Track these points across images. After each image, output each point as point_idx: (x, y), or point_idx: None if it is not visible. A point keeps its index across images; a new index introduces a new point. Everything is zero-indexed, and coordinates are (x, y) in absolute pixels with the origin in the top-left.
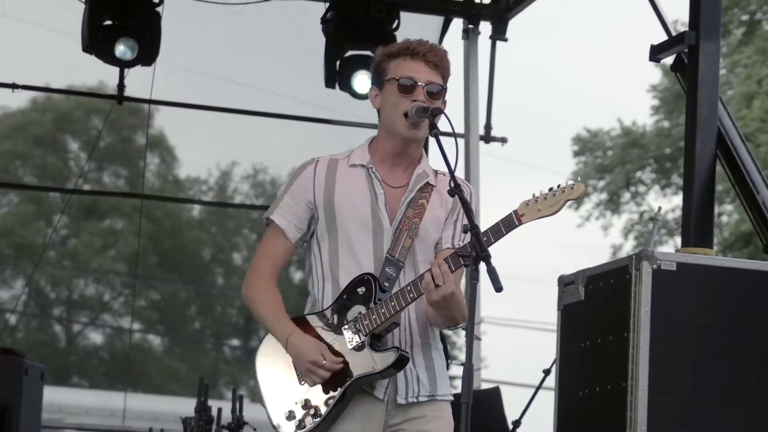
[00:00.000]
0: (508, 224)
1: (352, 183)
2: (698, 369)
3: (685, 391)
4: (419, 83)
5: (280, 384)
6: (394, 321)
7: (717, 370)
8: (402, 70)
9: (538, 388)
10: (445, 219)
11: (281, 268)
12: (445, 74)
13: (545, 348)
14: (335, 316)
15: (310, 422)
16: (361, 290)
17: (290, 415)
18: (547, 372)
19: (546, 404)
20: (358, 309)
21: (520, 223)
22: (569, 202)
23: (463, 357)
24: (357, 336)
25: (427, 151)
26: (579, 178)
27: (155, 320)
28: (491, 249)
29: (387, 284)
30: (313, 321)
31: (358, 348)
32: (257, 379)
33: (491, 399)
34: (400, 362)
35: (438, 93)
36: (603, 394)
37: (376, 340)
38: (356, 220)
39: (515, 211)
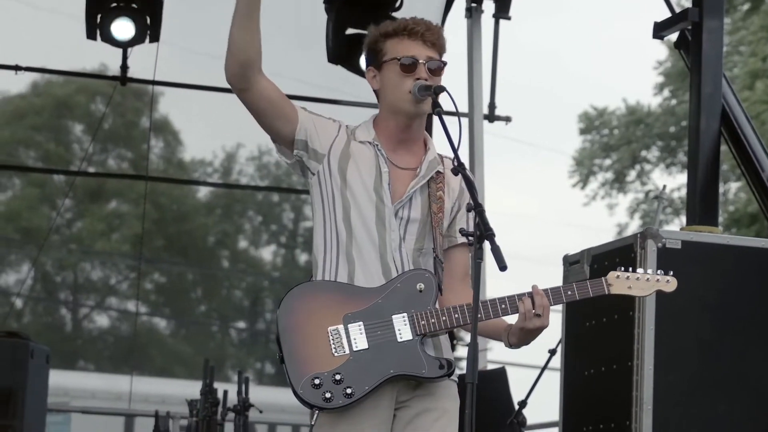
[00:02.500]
0: (596, 287)
1: (362, 157)
2: (704, 347)
3: (690, 369)
4: (420, 61)
5: (308, 346)
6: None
7: (722, 348)
8: (401, 49)
9: (543, 369)
10: (450, 208)
11: (271, 88)
12: (441, 51)
13: (551, 328)
14: (383, 300)
15: (341, 400)
16: (420, 286)
17: (317, 385)
18: (552, 352)
19: (552, 384)
20: (413, 304)
21: (608, 292)
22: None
23: (468, 338)
24: (409, 331)
25: (431, 131)
26: (672, 273)
27: (161, 303)
28: (496, 229)
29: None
30: (349, 290)
31: (408, 343)
32: (279, 334)
33: (497, 379)
34: (450, 375)
35: (438, 69)
36: (609, 374)
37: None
38: (362, 195)
39: (605, 279)
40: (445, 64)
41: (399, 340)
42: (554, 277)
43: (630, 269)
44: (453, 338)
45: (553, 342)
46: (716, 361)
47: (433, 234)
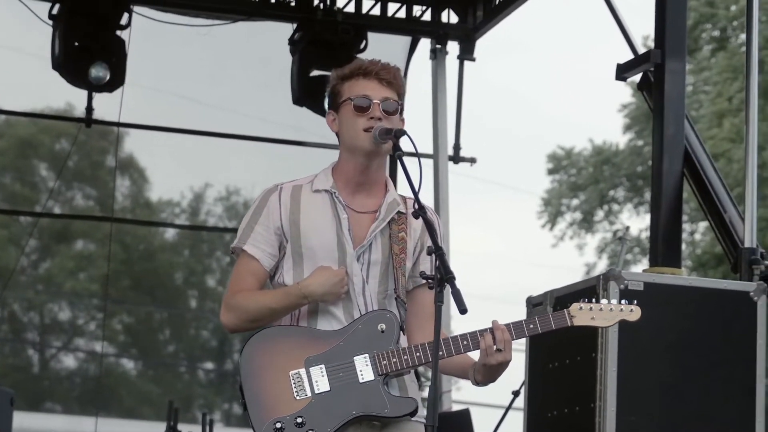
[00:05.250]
0: (558, 320)
1: (317, 209)
2: (667, 389)
3: (653, 411)
4: (374, 101)
5: (270, 391)
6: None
7: (685, 389)
8: (356, 89)
9: (507, 410)
10: (413, 248)
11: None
12: (399, 91)
13: (514, 369)
14: (344, 343)
15: None
16: (381, 326)
17: (279, 429)
18: (516, 393)
19: (516, 425)
20: (375, 344)
21: (571, 324)
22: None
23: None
24: (371, 372)
25: (395, 172)
26: (636, 302)
27: (129, 343)
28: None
29: (405, 326)
30: (310, 334)
31: (370, 384)
32: (241, 380)
33: (461, 421)
34: (413, 414)
35: (394, 110)
36: (571, 415)
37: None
38: (322, 247)
39: (568, 311)
40: (401, 105)
41: (361, 380)
42: (522, 317)
43: (594, 300)
44: (418, 378)
45: (516, 383)
46: (679, 403)
47: (395, 275)
